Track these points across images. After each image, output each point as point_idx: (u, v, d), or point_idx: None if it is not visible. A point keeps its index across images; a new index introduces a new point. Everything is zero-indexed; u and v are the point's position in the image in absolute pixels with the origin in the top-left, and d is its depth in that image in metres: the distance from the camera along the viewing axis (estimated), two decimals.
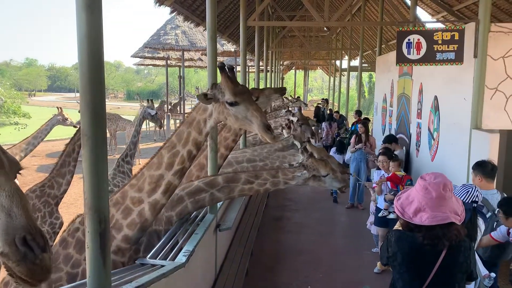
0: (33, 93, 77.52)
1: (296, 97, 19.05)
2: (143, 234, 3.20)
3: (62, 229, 5.46)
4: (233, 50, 20.79)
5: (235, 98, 3.04)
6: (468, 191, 3.49)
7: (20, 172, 1.35)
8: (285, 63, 34.20)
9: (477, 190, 3.50)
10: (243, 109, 3.06)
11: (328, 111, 17.65)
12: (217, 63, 3.25)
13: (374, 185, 6.21)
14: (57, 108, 8.12)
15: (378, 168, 6.36)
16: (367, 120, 12.22)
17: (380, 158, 6.22)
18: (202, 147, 3.48)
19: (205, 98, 3.12)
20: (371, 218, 6.53)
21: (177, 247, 3.52)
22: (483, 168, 4.23)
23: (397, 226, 2.61)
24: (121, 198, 3.12)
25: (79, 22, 1.88)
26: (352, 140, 8.80)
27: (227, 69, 3.14)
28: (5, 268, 1.14)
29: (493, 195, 4.11)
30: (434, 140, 6.91)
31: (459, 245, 2.31)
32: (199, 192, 3.84)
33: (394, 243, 2.39)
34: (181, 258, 3.25)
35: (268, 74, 17.16)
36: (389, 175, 5.90)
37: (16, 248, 1.11)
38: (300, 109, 13.16)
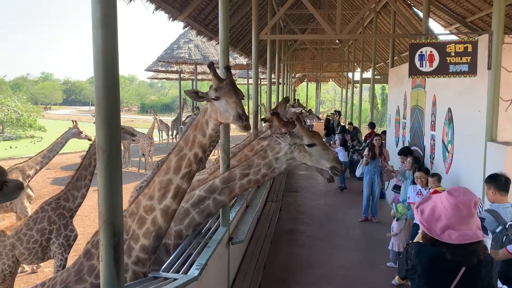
0: (48, 107, 78.89)
1: (308, 109, 19.00)
2: (160, 243, 3.22)
3: (86, 240, 5.49)
4: (245, 63, 20.93)
5: (216, 93, 3.12)
6: None
7: (5, 183, 1.35)
8: (297, 75, 34.28)
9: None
10: (224, 102, 3.12)
11: (336, 122, 17.57)
12: (208, 62, 3.31)
13: (410, 201, 6.17)
14: (72, 121, 8.26)
15: (414, 183, 6.33)
16: (384, 133, 12.16)
17: (417, 174, 6.21)
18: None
19: (196, 95, 3.20)
20: (394, 232, 6.41)
21: (189, 260, 3.52)
22: (496, 181, 4.17)
23: (417, 239, 2.56)
24: (136, 208, 3.16)
25: (95, 38, 1.92)
26: (365, 152, 8.76)
27: (215, 67, 3.22)
28: None
29: (507, 209, 4.04)
30: (448, 152, 6.84)
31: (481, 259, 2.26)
32: (202, 201, 3.86)
33: (414, 255, 2.34)
34: (193, 272, 3.25)
35: (280, 86, 17.21)
36: (428, 190, 5.82)
37: None
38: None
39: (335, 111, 25.55)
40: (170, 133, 23.35)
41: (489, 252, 2.82)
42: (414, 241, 2.56)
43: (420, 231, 2.51)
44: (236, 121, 3.06)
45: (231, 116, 3.08)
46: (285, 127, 3.93)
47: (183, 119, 22.67)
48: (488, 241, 3.47)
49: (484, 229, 3.50)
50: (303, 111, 16.04)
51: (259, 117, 9.40)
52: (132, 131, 6.06)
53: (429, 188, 5.85)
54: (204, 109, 3.27)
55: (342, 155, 11.70)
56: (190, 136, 3.24)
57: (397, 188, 8.30)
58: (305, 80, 39.95)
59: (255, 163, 4.00)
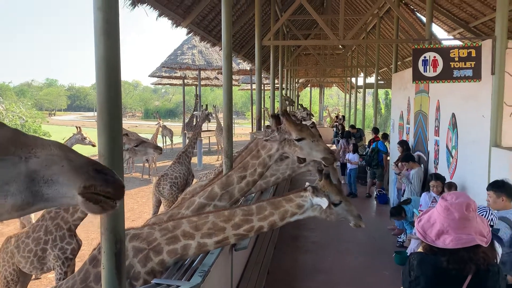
0: (53, 113, 79.31)
1: (303, 107, 18.79)
2: (177, 262, 3.25)
3: (89, 246, 5.32)
4: (248, 68, 20.98)
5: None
6: (483, 214, 3.36)
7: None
8: (300, 80, 34.29)
9: (492, 214, 3.39)
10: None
11: (340, 127, 17.49)
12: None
13: (422, 208, 6.11)
14: (76, 127, 8.28)
15: (428, 191, 6.29)
16: (386, 135, 12.17)
17: (433, 183, 6.18)
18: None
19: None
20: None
21: (192, 266, 3.50)
22: (507, 188, 4.12)
23: (420, 249, 2.50)
24: (173, 227, 3.18)
25: (97, 45, 1.93)
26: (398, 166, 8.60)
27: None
28: (89, 202, 1.27)
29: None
30: (452, 158, 6.81)
31: (487, 269, 2.17)
32: (203, 208, 3.88)
33: (417, 266, 2.27)
34: (196, 278, 3.23)
35: (284, 92, 17.21)
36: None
37: (95, 176, 1.27)
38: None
39: (337, 116, 25.40)
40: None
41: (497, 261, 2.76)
42: (416, 251, 2.51)
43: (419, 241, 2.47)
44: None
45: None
46: (297, 131, 4.01)
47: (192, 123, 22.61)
48: (499, 250, 3.38)
49: (498, 239, 3.39)
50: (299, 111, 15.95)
51: (262, 122, 9.40)
52: (156, 145, 5.85)
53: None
54: (297, 204, 3.36)
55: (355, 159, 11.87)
56: (266, 211, 3.29)
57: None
58: (309, 85, 39.96)
59: (250, 164, 4.05)
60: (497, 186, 4.19)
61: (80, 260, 5.98)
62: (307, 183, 3.53)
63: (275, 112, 11.45)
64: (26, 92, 78.92)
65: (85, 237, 8.43)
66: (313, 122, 11.80)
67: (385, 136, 12.13)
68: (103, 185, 1.27)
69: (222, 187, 3.97)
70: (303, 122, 9.81)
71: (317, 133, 7.91)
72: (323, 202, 3.25)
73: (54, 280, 5.02)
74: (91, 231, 9.01)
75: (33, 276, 6.93)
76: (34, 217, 7.19)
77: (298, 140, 3.97)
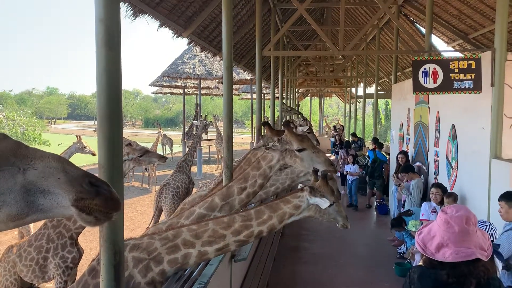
0: (53, 121, 79.41)
1: (304, 117, 18.84)
2: (177, 272, 3.23)
3: (87, 256, 5.22)
4: (249, 78, 21.05)
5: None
6: (483, 229, 3.34)
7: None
8: (300, 90, 34.38)
9: (492, 228, 3.35)
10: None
11: (339, 137, 17.46)
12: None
13: (424, 218, 6.09)
14: (76, 136, 8.28)
15: (429, 200, 6.28)
16: (381, 144, 12.20)
17: (433, 190, 6.16)
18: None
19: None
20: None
21: (191, 278, 3.48)
22: None
23: (421, 263, 2.48)
24: (173, 236, 3.15)
25: (98, 57, 1.93)
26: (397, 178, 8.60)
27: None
28: (83, 213, 1.29)
29: None
30: (452, 169, 6.79)
31: (487, 283, 2.15)
32: (202, 219, 3.84)
33: (417, 280, 2.26)
34: None
35: (284, 101, 17.24)
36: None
37: (88, 189, 1.29)
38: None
39: (335, 126, 25.36)
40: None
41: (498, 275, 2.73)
42: (417, 264, 2.50)
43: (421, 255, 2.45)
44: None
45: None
46: (277, 135, 4.05)
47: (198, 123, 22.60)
48: (499, 266, 3.34)
49: (498, 255, 3.34)
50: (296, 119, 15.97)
51: (262, 131, 9.41)
52: (160, 155, 5.79)
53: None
54: (294, 204, 3.35)
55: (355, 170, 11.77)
56: (265, 215, 3.28)
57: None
58: (309, 95, 40.06)
59: (250, 175, 4.04)
60: (509, 197, 4.15)
61: (81, 269, 5.92)
62: (300, 184, 3.54)
63: (275, 121, 11.47)
64: (26, 100, 79.16)
65: (83, 246, 8.36)
66: (309, 128, 11.82)
67: (380, 146, 12.17)
68: (93, 198, 1.28)
69: (223, 198, 3.95)
70: (300, 128, 9.84)
71: (315, 138, 7.93)
72: (323, 203, 3.23)
73: None
74: (89, 240, 8.97)
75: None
76: (33, 226, 7.16)
77: (299, 150, 3.99)
